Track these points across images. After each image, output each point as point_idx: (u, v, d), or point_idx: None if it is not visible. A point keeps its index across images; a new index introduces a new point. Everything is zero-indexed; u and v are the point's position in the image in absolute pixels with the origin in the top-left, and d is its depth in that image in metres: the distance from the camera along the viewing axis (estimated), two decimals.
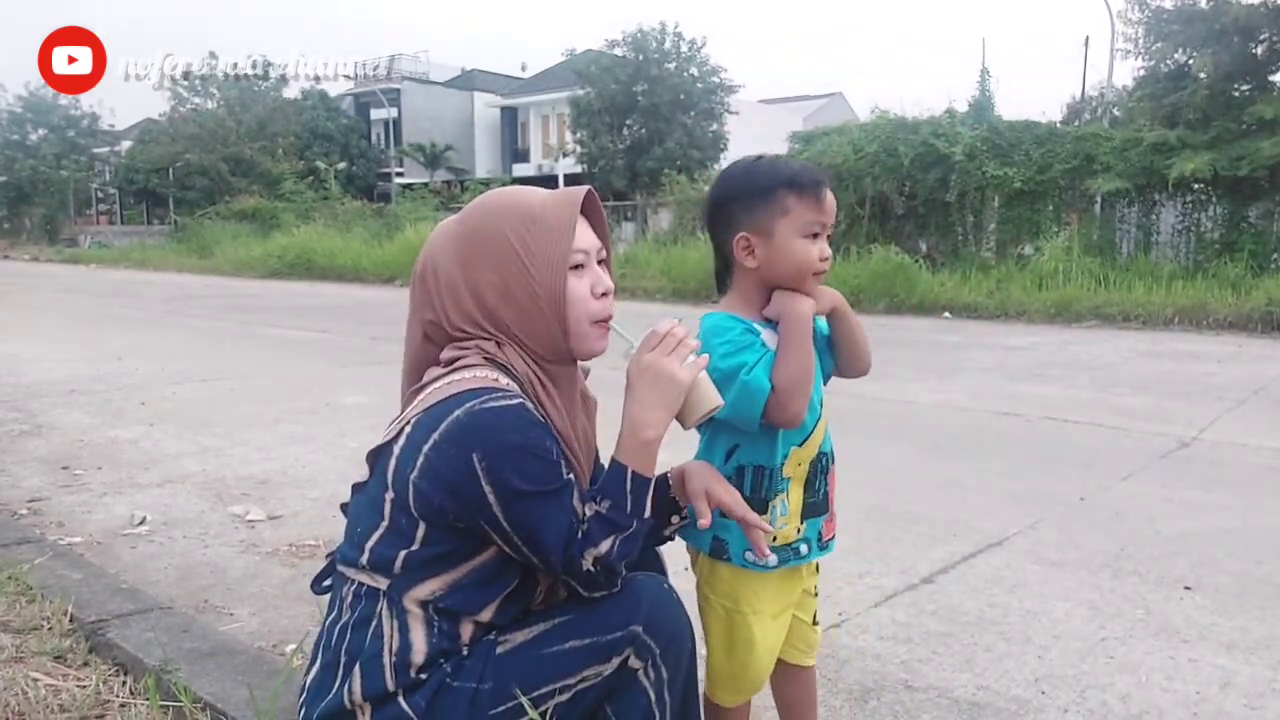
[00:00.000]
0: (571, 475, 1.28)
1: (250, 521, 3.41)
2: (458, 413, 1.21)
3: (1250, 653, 2.38)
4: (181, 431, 4.88)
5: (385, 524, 1.29)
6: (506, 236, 1.30)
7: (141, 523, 3.36)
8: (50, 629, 2.17)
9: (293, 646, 2.28)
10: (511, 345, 1.31)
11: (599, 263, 1.36)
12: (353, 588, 1.32)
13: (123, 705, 1.87)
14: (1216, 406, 5.60)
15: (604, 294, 1.34)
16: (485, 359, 1.29)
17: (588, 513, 1.27)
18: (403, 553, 1.27)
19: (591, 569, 1.25)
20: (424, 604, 1.27)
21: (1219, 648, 2.40)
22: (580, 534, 1.25)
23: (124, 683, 1.97)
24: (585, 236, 1.34)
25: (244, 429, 4.95)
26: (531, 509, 1.22)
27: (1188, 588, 2.81)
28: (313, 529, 3.28)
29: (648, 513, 1.30)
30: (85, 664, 2.05)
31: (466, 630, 1.29)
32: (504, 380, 1.27)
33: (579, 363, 1.42)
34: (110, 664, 2.05)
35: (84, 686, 1.92)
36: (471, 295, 1.31)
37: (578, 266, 1.32)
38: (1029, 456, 4.52)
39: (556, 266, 1.29)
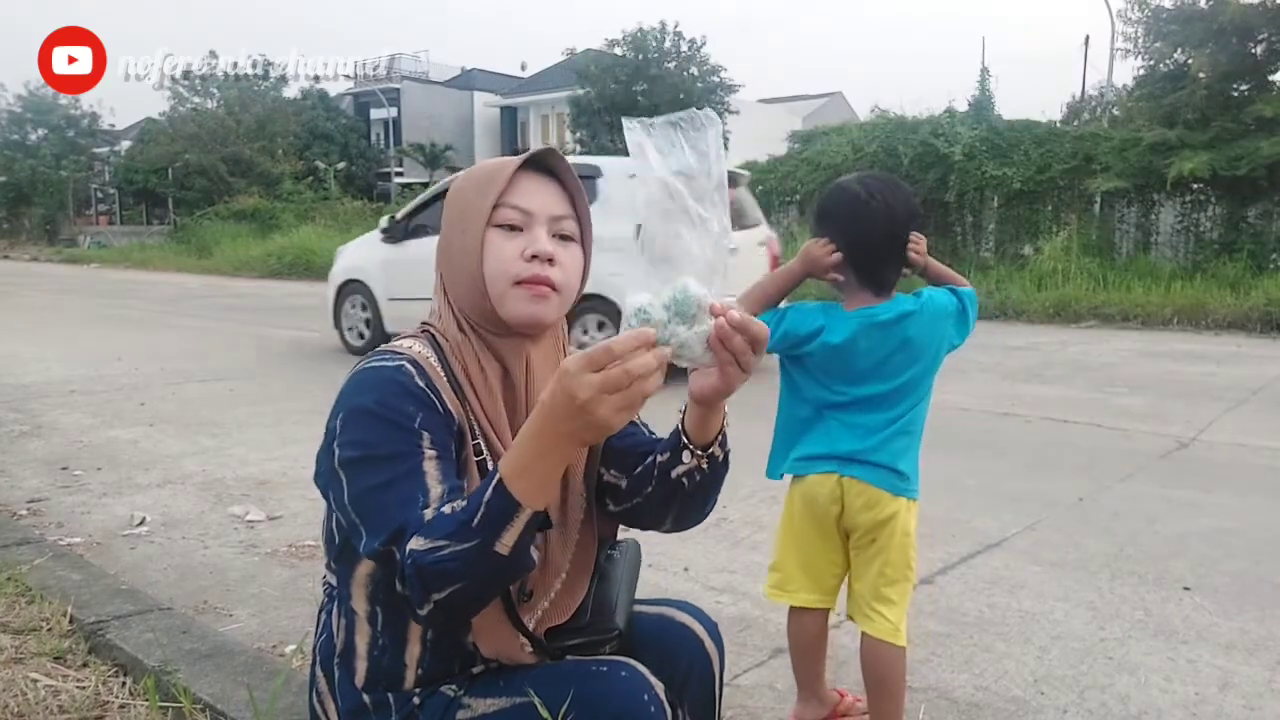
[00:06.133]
0: (433, 450, 1.11)
1: (250, 522, 3.41)
2: (348, 377, 1.18)
3: (1249, 653, 2.38)
4: (181, 431, 4.88)
5: (325, 514, 1.26)
6: (455, 194, 1.26)
7: (141, 523, 3.36)
8: (50, 630, 2.18)
9: (292, 647, 2.29)
10: (451, 311, 1.24)
11: (563, 236, 1.22)
12: (324, 588, 1.31)
13: (122, 706, 1.87)
14: (1215, 407, 5.60)
15: (535, 256, 1.18)
16: (423, 329, 1.26)
17: (443, 508, 1.06)
18: (336, 539, 1.23)
19: (404, 566, 1.03)
20: (368, 606, 1.21)
21: (1218, 648, 2.40)
22: (417, 519, 1.05)
23: (123, 684, 1.97)
24: (533, 198, 1.20)
25: (243, 429, 4.95)
26: (364, 477, 1.09)
27: (1187, 588, 2.81)
28: (312, 530, 3.28)
29: (504, 545, 1.01)
30: (85, 665, 2.05)
31: (413, 651, 1.20)
32: (416, 347, 1.19)
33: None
34: (110, 665, 2.05)
35: (83, 687, 1.92)
36: (437, 257, 1.28)
37: (513, 228, 1.19)
38: (1028, 457, 4.53)
39: (476, 219, 1.19)
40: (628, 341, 0.93)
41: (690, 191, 0.95)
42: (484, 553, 1.00)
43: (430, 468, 1.09)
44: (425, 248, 7.48)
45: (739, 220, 7.51)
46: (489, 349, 1.22)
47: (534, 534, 1.03)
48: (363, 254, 8.29)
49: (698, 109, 1.01)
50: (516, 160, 1.21)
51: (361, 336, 8.14)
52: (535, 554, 1.06)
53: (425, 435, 1.11)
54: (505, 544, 1.01)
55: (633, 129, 1.00)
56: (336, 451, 1.12)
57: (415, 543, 1.02)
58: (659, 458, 1.23)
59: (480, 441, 1.19)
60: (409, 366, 1.15)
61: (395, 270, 7.82)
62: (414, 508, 1.06)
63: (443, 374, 1.18)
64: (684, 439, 1.17)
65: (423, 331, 1.25)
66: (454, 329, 1.22)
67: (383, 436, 1.10)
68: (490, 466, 1.17)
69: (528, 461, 1.00)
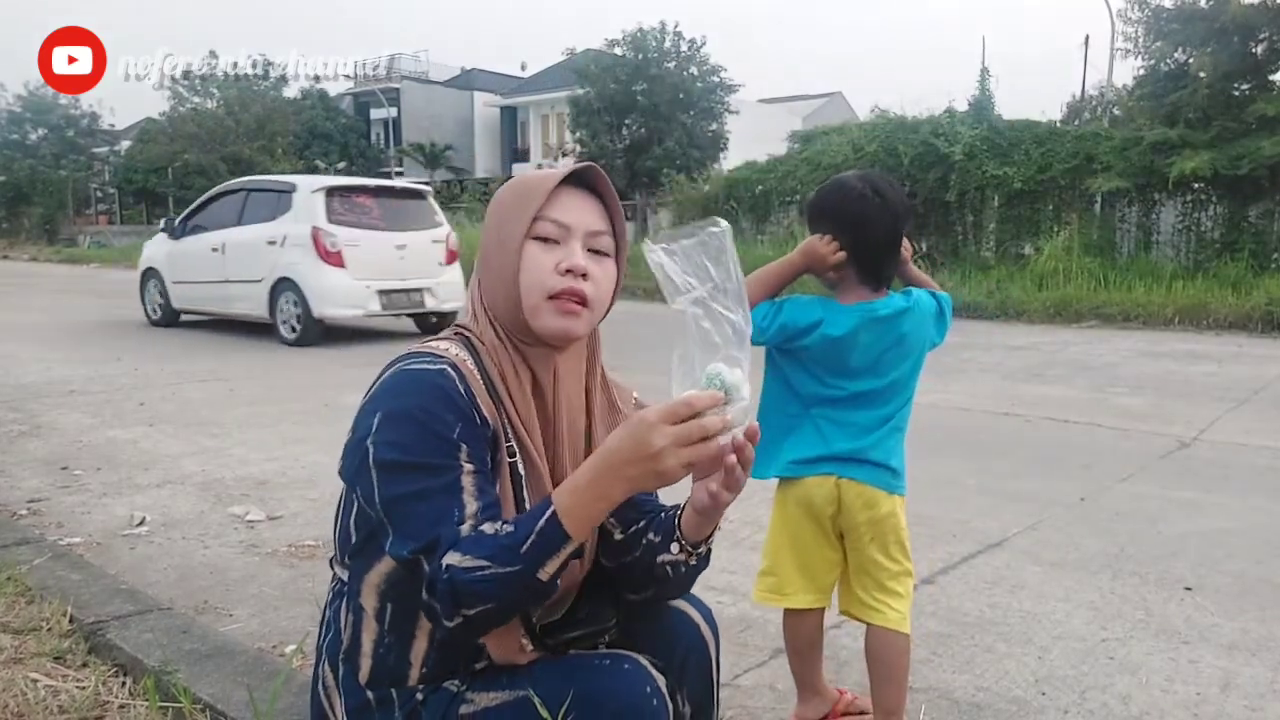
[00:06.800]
0: (470, 465, 1.12)
1: (250, 522, 3.41)
2: (385, 374, 1.20)
3: (1251, 653, 2.38)
4: (181, 431, 4.88)
5: (341, 510, 1.28)
6: (496, 205, 1.28)
7: (141, 523, 3.35)
8: (49, 630, 2.17)
9: (292, 647, 2.28)
10: (487, 317, 1.26)
11: (597, 251, 1.24)
12: (333, 585, 1.32)
13: (122, 706, 1.86)
14: (1216, 407, 5.60)
15: (569, 270, 1.20)
16: (457, 332, 1.27)
17: (482, 526, 1.08)
18: (351, 539, 1.24)
19: (437, 579, 1.05)
20: (377, 603, 1.22)
21: (1220, 648, 2.40)
22: (452, 535, 1.07)
23: (123, 684, 1.96)
24: (572, 213, 1.22)
25: (243, 429, 4.95)
26: (399, 482, 1.10)
27: (1188, 588, 2.81)
28: (312, 529, 3.28)
29: (546, 573, 1.05)
30: (84, 665, 2.04)
31: (419, 648, 1.21)
32: (454, 350, 1.20)
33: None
34: (109, 665, 2.05)
35: (83, 688, 1.92)
36: (476, 263, 1.31)
37: (550, 241, 1.21)
38: (1029, 457, 4.52)
39: (515, 230, 1.21)
40: (706, 399, 1.02)
41: (714, 298, 1.08)
42: (525, 578, 1.05)
43: (467, 482, 1.11)
44: (199, 243, 9.61)
45: (421, 223, 9.11)
46: (521, 356, 1.25)
47: (569, 562, 1.08)
48: (156, 248, 10.33)
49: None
50: (558, 174, 1.23)
51: (156, 311, 10.16)
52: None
53: (464, 448, 1.12)
54: (547, 571, 1.06)
55: (653, 251, 1.09)
56: (371, 449, 1.13)
57: (453, 558, 1.05)
58: (650, 536, 1.27)
59: (514, 444, 1.21)
60: (450, 371, 1.16)
61: (177, 260, 9.80)
62: (449, 523, 1.08)
63: (479, 378, 1.20)
64: (678, 532, 1.23)
65: (457, 334, 1.27)
66: (490, 334, 1.25)
67: (422, 444, 1.11)
68: (522, 469, 1.20)
69: (583, 499, 1.05)
